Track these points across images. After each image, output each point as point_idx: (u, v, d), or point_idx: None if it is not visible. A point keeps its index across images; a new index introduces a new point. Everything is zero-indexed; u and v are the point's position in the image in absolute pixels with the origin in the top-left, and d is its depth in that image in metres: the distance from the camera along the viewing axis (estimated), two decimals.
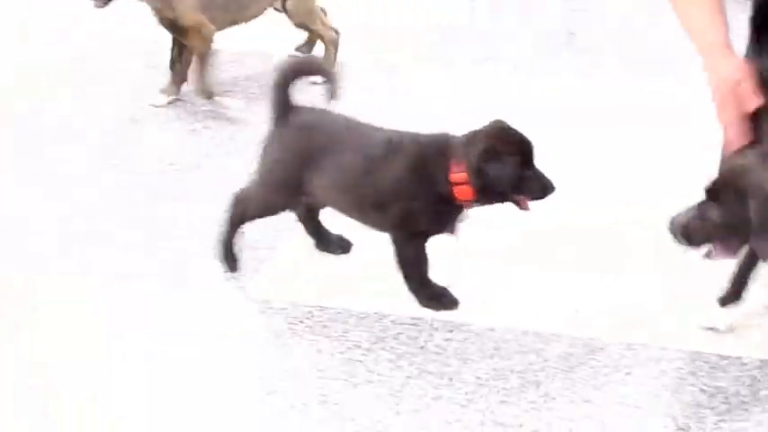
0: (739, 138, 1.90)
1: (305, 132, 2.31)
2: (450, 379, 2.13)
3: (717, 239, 1.93)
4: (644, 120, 3.26)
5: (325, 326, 2.31)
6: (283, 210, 2.42)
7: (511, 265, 2.49)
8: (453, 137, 2.23)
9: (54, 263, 2.54)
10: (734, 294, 2.19)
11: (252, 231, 2.50)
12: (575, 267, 2.48)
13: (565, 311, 2.32)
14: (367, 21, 4.17)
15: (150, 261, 2.55)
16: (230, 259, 2.47)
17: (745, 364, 2.14)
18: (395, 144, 2.24)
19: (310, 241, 2.55)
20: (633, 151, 3.06)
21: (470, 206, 2.22)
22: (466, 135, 2.21)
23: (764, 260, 1.96)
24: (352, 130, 2.31)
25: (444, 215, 2.24)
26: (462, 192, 2.17)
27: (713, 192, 1.90)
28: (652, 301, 2.34)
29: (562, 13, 4.42)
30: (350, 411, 2.05)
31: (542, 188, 2.17)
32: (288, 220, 2.52)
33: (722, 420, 2.00)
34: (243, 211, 2.41)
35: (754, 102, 1.88)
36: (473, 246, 2.50)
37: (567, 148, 2.97)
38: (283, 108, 2.32)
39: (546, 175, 2.18)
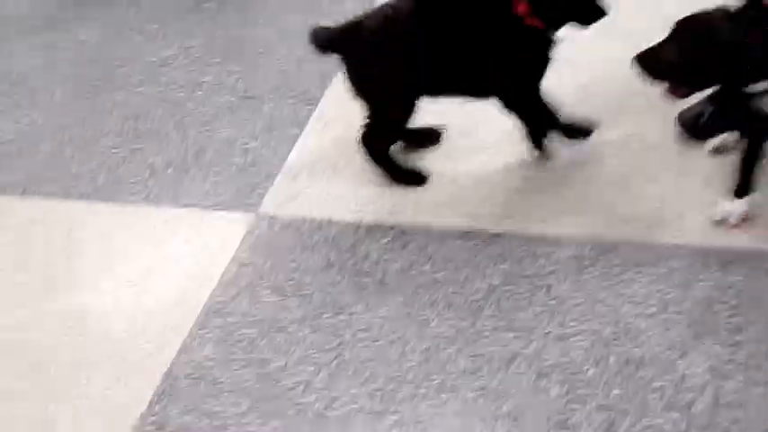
0: None
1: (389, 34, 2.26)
2: (462, 287, 2.13)
3: (671, 77, 2.01)
4: None
5: (334, 239, 2.31)
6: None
7: (513, 169, 2.46)
8: None
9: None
10: (744, 186, 2.16)
11: (260, 149, 2.48)
12: (577, 169, 2.45)
13: (572, 212, 2.30)
14: None
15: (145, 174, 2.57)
16: (413, 175, 2.44)
17: (759, 258, 2.12)
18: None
19: (318, 159, 2.55)
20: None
21: (549, 31, 2.24)
22: None
23: (676, 99, 2.04)
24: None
25: (535, 47, 2.24)
26: (532, 20, 2.20)
27: (675, 30, 1.97)
28: (662, 198, 2.31)
29: None
30: (362, 322, 2.07)
31: (596, 12, 2.21)
32: (293, 136, 2.51)
33: (734, 315, 2.00)
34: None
35: None
36: (475, 146, 2.49)
37: None
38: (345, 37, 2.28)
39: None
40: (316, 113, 2.75)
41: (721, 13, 1.94)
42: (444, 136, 2.57)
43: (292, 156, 2.60)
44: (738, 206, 2.19)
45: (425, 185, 2.43)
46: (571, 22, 2.24)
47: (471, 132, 2.57)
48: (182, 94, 2.91)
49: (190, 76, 2.99)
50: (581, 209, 2.31)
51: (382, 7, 2.30)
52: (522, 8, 2.19)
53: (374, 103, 2.35)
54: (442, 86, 2.31)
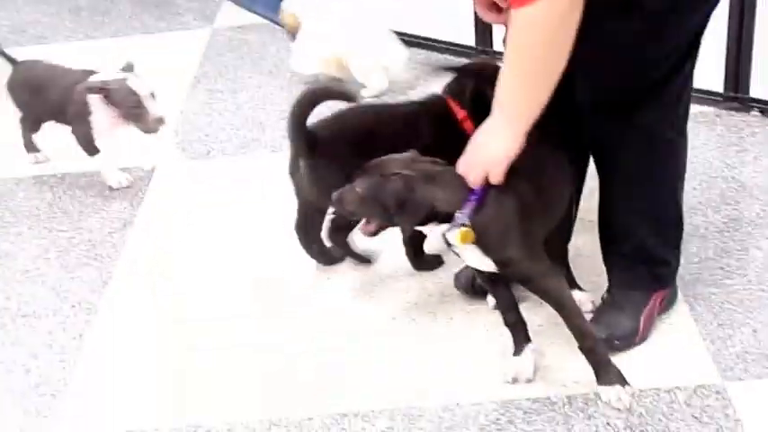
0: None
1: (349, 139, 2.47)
2: None
3: (360, 213, 2.19)
4: None
5: None
6: None
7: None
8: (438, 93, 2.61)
9: None
10: (523, 337, 2.31)
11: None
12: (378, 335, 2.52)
13: (378, 384, 2.36)
14: None
15: None
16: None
17: (555, 403, 2.25)
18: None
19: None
20: None
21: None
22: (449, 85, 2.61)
23: (405, 235, 2.22)
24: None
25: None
26: (468, 125, 2.48)
27: (365, 170, 2.15)
28: (456, 359, 2.41)
29: None
30: None
31: None
32: None
33: None
34: None
35: None
36: None
37: None
38: (310, 139, 2.44)
39: None
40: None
41: (400, 163, 2.13)
42: None
43: None
44: (525, 363, 2.31)
45: None
46: None
47: None
48: None
49: None
50: (389, 380, 2.37)
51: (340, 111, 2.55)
52: (461, 115, 2.52)
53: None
54: None
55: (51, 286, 2.85)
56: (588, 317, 2.43)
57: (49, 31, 4.83)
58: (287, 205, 2.99)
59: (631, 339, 2.38)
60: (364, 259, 2.76)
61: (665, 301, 2.45)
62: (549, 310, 2.46)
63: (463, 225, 2.09)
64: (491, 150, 2.08)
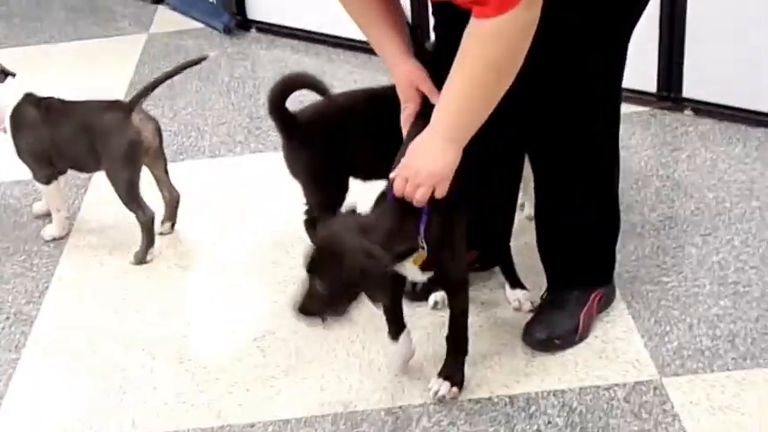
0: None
1: (321, 124, 2.54)
2: None
3: (329, 308, 2.03)
4: None
5: None
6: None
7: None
8: None
9: None
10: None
11: None
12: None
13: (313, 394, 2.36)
14: None
15: None
16: None
17: (497, 403, 2.26)
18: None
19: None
20: None
21: None
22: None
23: (376, 304, 2.09)
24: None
25: None
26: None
27: (312, 267, 2.00)
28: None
29: None
30: None
31: None
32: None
33: None
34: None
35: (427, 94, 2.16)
36: None
37: None
38: (288, 122, 2.53)
39: None
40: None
41: (339, 225, 2.03)
42: None
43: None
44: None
45: None
46: None
47: None
48: None
49: None
50: (331, 385, 2.36)
51: (320, 101, 2.57)
52: None
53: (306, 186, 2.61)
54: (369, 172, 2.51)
55: None
56: (528, 316, 2.45)
57: None
58: (225, 211, 2.97)
59: (571, 338, 2.40)
60: None
61: (603, 300, 2.48)
62: (488, 312, 2.48)
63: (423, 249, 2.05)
64: (437, 166, 2.00)
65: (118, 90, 3.95)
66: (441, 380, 2.27)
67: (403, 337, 2.32)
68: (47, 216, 3.10)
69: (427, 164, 2.00)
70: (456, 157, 2.02)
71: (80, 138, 2.82)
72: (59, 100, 2.93)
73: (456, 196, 2.06)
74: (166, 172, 2.97)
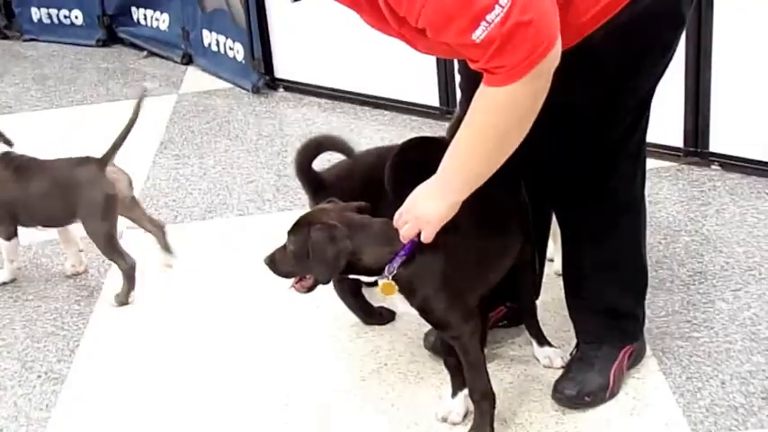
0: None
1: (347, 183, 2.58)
2: None
3: (295, 270, 2.19)
4: None
5: None
6: None
7: None
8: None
9: None
10: (460, 382, 2.31)
11: None
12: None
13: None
14: None
15: None
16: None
17: None
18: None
19: None
20: None
21: None
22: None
23: (323, 283, 2.18)
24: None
25: None
26: None
27: (292, 229, 2.17)
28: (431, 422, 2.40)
29: None
30: None
31: None
32: None
33: None
34: None
35: None
36: None
37: None
38: (315, 182, 2.58)
39: None
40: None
41: (328, 213, 2.17)
42: None
43: None
44: (459, 404, 2.33)
45: None
46: None
47: None
48: None
49: None
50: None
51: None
52: None
53: None
54: None
55: (17, 357, 2.81)
56: (558, 372, 2.44)
57: (14, 100, 4.83)
58: (254, 269, 2.98)
59: (601, 395, 2.38)
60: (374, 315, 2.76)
61: (633, 356, 2.46)
62: (517, 368, 2.47)
63: (387, 278, 2.13)
64: (427, 210, 2.08)
65: (149, 149, 4.00)
66: None
67: (460, 395, 2.33)
68: (77, 275, 3.15)
69: (419, 204, 2.09)
70: (448, 208, 2.07)
71: (54, 194, 2.92)
72: (32, 158, 3.02)
73: (458, 275, 2.14)
74: (145, 214, 3.09)
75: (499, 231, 2.28)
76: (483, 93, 1.96)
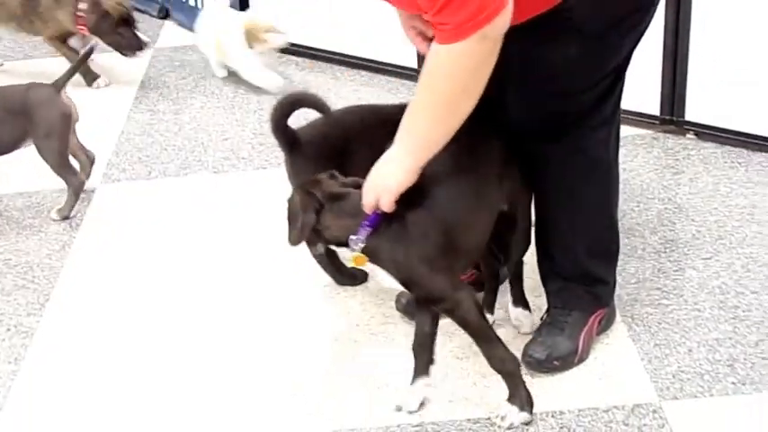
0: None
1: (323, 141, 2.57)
2: None
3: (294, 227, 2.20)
4: None
5: None
6: None
7: None
8: None
9: None
10: (422, 368, 2.29)
11: None
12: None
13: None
14: None
15: None
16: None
17: (494, 423, 2.26)
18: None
19: None
20: None
21: None
22: None
23: (292, 245, 2.20)
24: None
25: None
26: None
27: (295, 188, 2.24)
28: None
29: None
30: None
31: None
32: None
33: None
34: None
35: None
36: None
37: None
38: (290, 140, 2.56)
39: None
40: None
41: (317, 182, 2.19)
42: None
43: None
44: (415, 393, 2.31)
45: None
46: None
47: None
48: None
49: None
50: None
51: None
52: None
53: None
54: None
55: None
56: (527, 338, 2.45)
57: None
58: (229, 226, 2.97)
59: (570, 359, 2.40)
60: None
61: (603, 321, 2.48)
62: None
63: (355, 249, 2.14)
64: (385, 178, 2.09)
65: (123, 104, 3.97)
66: (508, 405, 2.25)
67: (419, 383, 2.30)
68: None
69: (377, 171, 2.11)
70: (405, 173, 2.07)
71: (6, 120, 3.06)
72: None
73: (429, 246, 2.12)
74: (79, 142, 3.26)
75: (476, 194, 2.24)
76: (432, 51, 1.99)
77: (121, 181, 3.43)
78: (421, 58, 2.13)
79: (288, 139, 2.58)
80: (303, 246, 2.26)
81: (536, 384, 2.34)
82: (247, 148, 3.59)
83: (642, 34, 2.21)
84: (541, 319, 2.49)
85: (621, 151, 2.40)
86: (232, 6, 4.28)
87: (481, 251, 2.35)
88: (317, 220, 2.14)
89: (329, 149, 2.55)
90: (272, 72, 3.95)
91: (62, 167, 3.14)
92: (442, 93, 2.01)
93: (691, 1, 3.29)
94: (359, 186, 2.16)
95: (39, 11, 4.04)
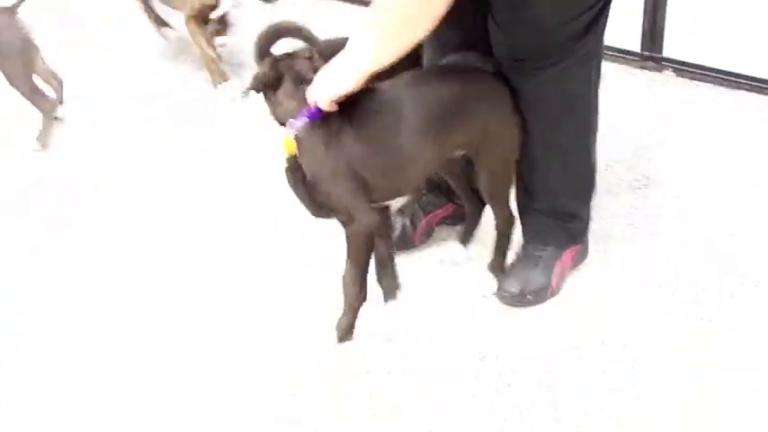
0: None
1: None
2: None
3: None
4: None
5: None
6: None
7: None
8: None
9: None
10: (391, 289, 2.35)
11: None
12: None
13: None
14: None
15: None
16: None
17: (469, 361, 2.29)
18: None
19: None
20: None
21: None
22: None
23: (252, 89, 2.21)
24: None
25: None
26: None
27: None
28: None
29: None
30: None
31: None
32: None
33: None
34: None
35: None
36: None
37: None
38: None
39: None
40: None
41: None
42: None
43: None
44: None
45: None
46: None
47: None
48: None
49: None
50: None
51: None
52: None
53: None
54: None
55: None
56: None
57: None
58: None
59: (543, 294, 2.43)
60: None
61: (577, 257, 2.50)
62: (463, 267, 2.47)
63: (288, 133, 2.14)
64: (329, 71, 2.10)
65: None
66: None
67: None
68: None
69: (328, 71, 2.10)
70: (348, 72, 2.07)
71: None
72: None
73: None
74: (45, 64, 3.23)
75: (418, 132, 2.17)
76: None
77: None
78: None
79: None
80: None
81: (508, 319, 2.36)
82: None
83: None
84: (516, 253, 2.50)
85: (600, 86, 2.39)
86: None
87: (412, 186, 2.33)
88: (274, 94, 2.16)
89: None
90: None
91: (31, 94, 3.13)
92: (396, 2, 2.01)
93: None
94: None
95: None
